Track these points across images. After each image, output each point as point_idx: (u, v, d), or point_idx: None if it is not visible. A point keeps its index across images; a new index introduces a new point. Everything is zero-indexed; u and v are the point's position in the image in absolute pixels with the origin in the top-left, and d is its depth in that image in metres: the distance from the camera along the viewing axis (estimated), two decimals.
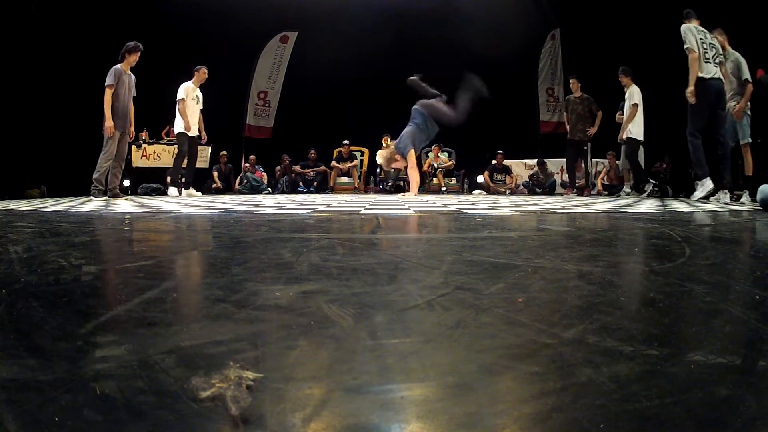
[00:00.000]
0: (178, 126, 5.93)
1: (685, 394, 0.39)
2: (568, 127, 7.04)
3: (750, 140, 4.60)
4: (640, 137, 5.97)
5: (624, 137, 6.03)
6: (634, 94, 5.91)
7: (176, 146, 6.32)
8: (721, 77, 4.32)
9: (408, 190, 6.57)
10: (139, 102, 5.23)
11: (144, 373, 0.42)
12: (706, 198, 4.35)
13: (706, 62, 4.25)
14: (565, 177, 8.01)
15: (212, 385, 0.38)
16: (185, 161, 6.28)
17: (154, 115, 6.94)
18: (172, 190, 5.88)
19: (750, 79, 4.55)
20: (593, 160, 8.60)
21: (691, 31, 4.26)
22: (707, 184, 4.30)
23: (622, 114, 6.61)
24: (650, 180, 6.34)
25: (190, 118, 5.90)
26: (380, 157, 8.84)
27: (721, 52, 4.40)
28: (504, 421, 0.35)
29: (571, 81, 7.26)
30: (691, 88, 4.22)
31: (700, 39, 4.27)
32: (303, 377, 0.43)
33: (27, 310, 0.63)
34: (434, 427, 0.35)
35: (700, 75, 4.23)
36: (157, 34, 7.23)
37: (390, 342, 0.51)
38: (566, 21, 9.75)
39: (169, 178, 6.04)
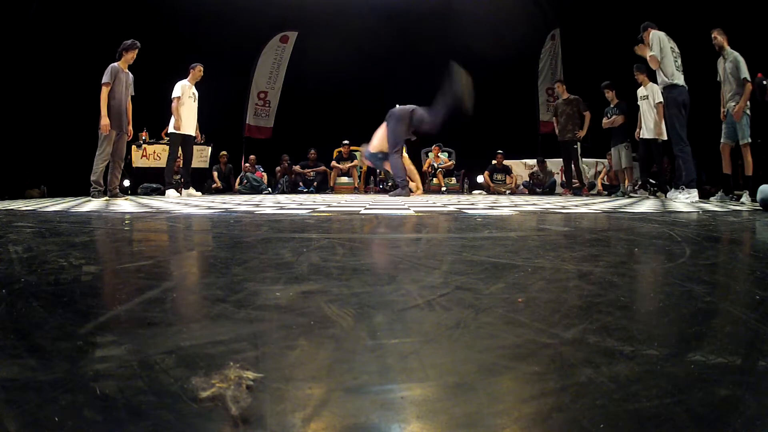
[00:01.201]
0: (171, 125, 5.89)
1: (685, 394, 0.39)
2: (557, 130, 7.05)
3: (750, 140, 4.60)
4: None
5: (660, 138, 5.76)
6: (657, 93, 5.61)
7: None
8: (684, 85, 4.50)
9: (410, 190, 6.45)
10: (139, 102, 5.22)
11: (144, 373, 0.42)
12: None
13: (678, 69, 4.46)
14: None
15: (212, 385, 0.38)
16: (181, 161, 6.26)
17: (154, 115, 6.94)
18: (170, 192, 5.86)
19: (749, 78, 4.54)
20: (593, 160, 8.60)
21: (661, 40, 4.45)
22: (694, 195, 4.44)
23: (608, 119, 6.60)
24: (650, 180, 6.33)
25: (187, 116, 5.87)
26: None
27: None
28: (504, 421, 0.35)
29: (556, 85, 7.33)
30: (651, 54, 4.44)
31: (671, 47, 4.46)
32: (303, 377, 0.43)
33: (27, 310, 0.63)
34: (434, 427, 0.35)
35: (673, 82, 4.43)
36: (157, 34, 7.23)
37: (390, 342, 0.51)
38: (566, 21, 9.76)
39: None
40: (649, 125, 5.85)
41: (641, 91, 5.93)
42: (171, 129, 5.89)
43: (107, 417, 0.35)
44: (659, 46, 4.43)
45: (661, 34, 4.50)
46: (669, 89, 4.48)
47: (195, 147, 6.40)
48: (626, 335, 0.53)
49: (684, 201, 4.31)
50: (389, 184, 8.79)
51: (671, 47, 4.47)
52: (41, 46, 6.99)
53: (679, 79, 4.45)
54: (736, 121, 4.62)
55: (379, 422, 0.35)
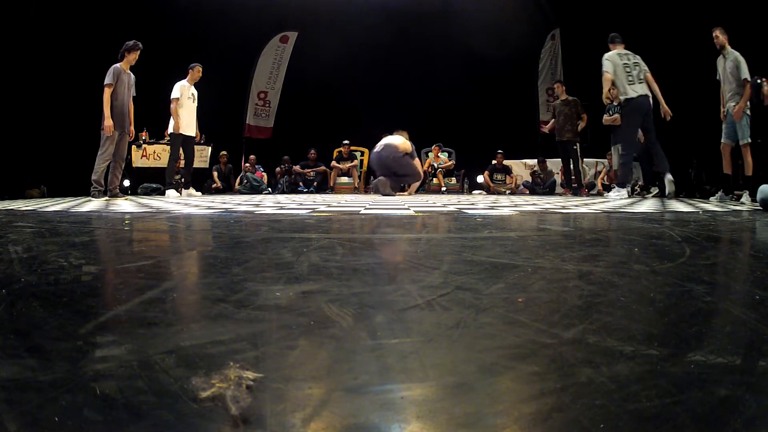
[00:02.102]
0: (171, 126, 5.85)
1: (685, 394, 0.39)
2: (551, 130, 7.06)
3: (750, 140, 4.59)
4: None
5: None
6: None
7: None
8: (648, 94, 4.97)
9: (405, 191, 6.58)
10: (139, 102, 5.23)
11: (144, 373, 0.42)
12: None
13: (630, 83, 4.96)
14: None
15: (212, 385, 0.38)
16: (182, 161, 6.24)
17: (155, 115, 6.95)
18: (170, 192, 5.83)
19: (749, 79, 4.54)
20: (593, 160, 8.61)
21: (610, 60, 5.01)
22: (623, 193, 5.06)
23: (609, 116, 6.58)
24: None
25: (187, 117, 5.85)
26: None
27: (643, 68, 5.05)
28: (504, 421, 0.35)
29: (555, 85, 7.36)
30: (605, 92, 5.12)
31: (623, 63, 4.98)
32: (303, 377, 0.43)
33: (27, 310, 0.63)
34: (434, 427, 0.35)
35: (627, 96, 4.96)
36: (157, 34, 7.23)
37: (390, 342, 0.51)
38: (566, 21, 9.76)
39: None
40: None
41: None
42: (171, 130, 5.88)
43: (107, 417, 0.35)
44: (611, 65, 4.99)
45: (612, 53, 5.05)
46: (625, 102, 5.04)
47: (195, 147, 6.40)
48: (626, 335, 0.53)
49: (615, 198, 4.93)
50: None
51: (624, 63, 4.99)
52: (41, 46, 6.99)
53: (635, 91, 4.95)
54: (736, 121, 4.62)
55: (379, 422, 0.35)
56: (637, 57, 5.07)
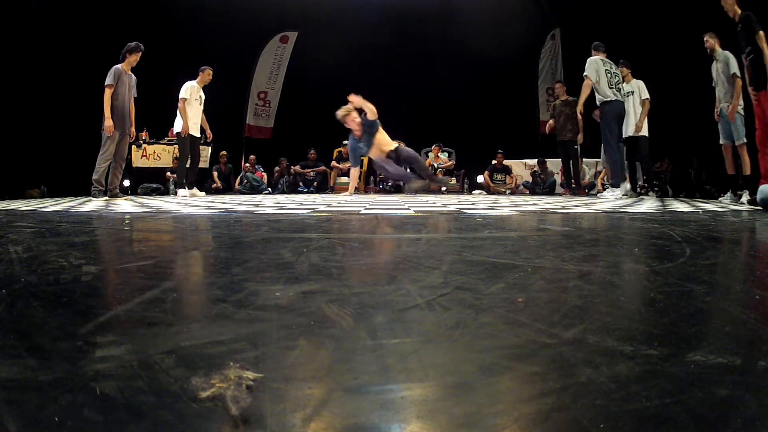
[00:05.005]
0: (178, 126, 5.83)
1: (685, 394, 0.39)
2: (550, 130, 7.04)
3: (746, 140, 4.57)
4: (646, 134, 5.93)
5: (637, 134, 5.79)
6: (643, 89, 5.74)
7: (176, 146, 6.24)
8: (623, 101, 5.46)
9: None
10: (139, 102, 5.22)
11: (144, 373, 0.42)
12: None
13: (610, 88, 5.35)
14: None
15: (212, 385, 0.38)
16: (189, 161, 6.22)
17: (154, 115, 6.94)
18: (182, 192, 5.80)
19: (738, 73, 4.51)
20: (593, 160, 8.60)
21: (595, 64, 5.33)
22: (618, 193, 5.32)
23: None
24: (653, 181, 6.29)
25: (191, 117, 5.82)
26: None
27: (622, 78, 5.55)
28: (504, 421, 0.35)
29: (557, 86, 7.36)
30: (582, 101, 5.55)
31: (606, 69, 5.35)
32: (303, 377, 0.43)
33: (27, 310, 0.63)
34: (434, 427, 0.35)
35: (604, 99, 5.36)
36: (157, 33, 7.22)
37: (390, 342, 0.51)
38: (566, 21, 9.76)
39: (170, 176, 5.98)
40: (632, 121, 5.75)
41: (626, 87, 5.78)
42: (177, 129, 5.83)
43: (107, 417, 0.35)
44: (594, 69, 5.30)
45: (598, 58, 5.36)
46: (603, 105, 5.35)
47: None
48: (626, 335, 0.53)
49: (610, 198, 5.14)
50: (389, 184, 8.79)
51: (606, 69, 5.33)
52: (42, 46, 6.99)
53: (613, 96, 5.32)
54: (731, 121, 4.60)
55: (379, 422, 0.35)
56: (617, 68, 5.50)
